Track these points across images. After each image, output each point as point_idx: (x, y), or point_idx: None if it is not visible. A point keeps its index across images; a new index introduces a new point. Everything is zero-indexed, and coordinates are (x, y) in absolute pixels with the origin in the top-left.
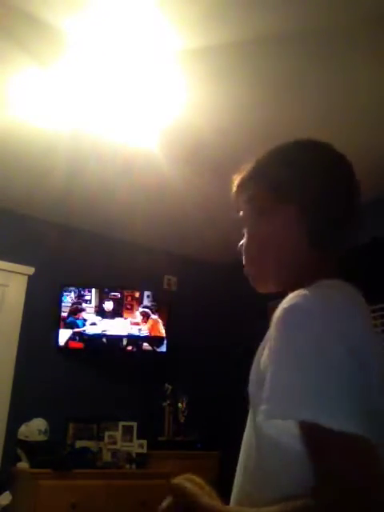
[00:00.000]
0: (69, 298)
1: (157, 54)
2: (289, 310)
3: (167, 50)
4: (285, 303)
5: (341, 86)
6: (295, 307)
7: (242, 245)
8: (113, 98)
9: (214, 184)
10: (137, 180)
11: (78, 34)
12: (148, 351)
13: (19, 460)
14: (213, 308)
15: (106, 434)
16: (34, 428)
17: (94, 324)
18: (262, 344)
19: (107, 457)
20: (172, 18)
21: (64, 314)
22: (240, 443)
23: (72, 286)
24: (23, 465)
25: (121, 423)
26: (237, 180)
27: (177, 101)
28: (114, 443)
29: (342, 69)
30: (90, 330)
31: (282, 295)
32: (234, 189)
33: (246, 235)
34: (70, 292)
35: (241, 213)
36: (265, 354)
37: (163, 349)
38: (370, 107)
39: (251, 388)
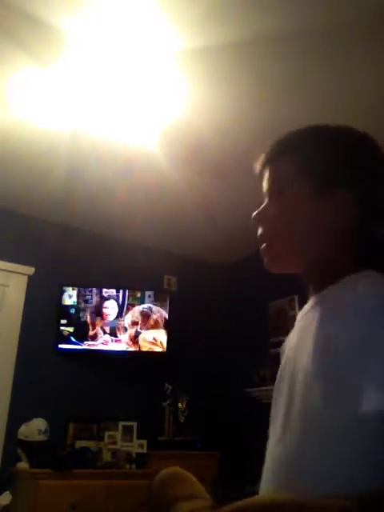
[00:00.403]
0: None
1: (157, 53)
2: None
3: (167, 49)
4: (365, 290)
5: (340, 86)
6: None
7: (259, 215)
8: (113, 98)
9: (214, 184)
10: (137, 180)
11: (78, 34)
12: (148, 351)
13: (19, 460)
14: (213, 308)
15: (106, 434)
16: (34, 428)
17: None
18: (318, 331)
19: (107, 457)
20: (172, 18)
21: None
22: (239, 443)
23: (72, 285)
24: (23, 465)
25: (121, 423)
26: (271, 150)
27: (177, 101)
28: (114, 443)
29: (342, 69)
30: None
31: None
32: (266, 158)
33: (276, 210)
34: (91, 294)
35: (265, 184)
36: (343, 341)
37: (158, 347)
38: (369, 107)
39: (319, 374)
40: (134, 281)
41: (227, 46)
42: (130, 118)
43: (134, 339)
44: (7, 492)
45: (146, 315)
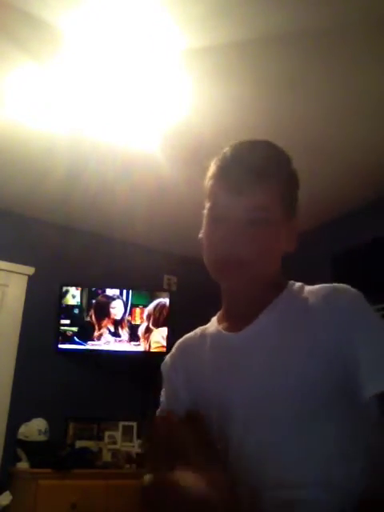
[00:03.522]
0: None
1: (158, 52)
2: (363, 300)
3: (169, 48)
4: (352, 295)
5: (344, 86)
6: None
7: (245, 242)
8: (113, 98)
9: None
10: (137, 181)
11: (78, 32)
12: (148, 351)
13: (19, 460)
14: (213, 308)
15: (106, 433)
16: (34, 428)
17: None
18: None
19: (107, 457)
20: (174, 15)
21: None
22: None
23: (75, 285)
24: (23, 465)
25: (121, 423)
26: (246, 177)
27: (178, 101)
28: (114, 443)
29: (345, 69)
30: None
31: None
32: (241, 185)
33: (263, 235)
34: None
35: (240, 210)
36: (360, 339)
37: (162, 348)
38: (371, 107)
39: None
40: (134, 281)
41: (230, 46)
42: (131, 118)
43: (145, 337)
44: (7, 492)
45: (157, 314)
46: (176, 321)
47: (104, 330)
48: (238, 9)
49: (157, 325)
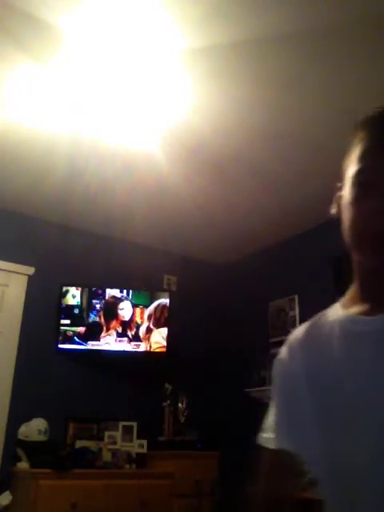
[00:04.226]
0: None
1: (157, 52)
2: None
3: (168, 48)
4: None
5: (342, 86)
6: None
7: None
8: (112, 98)
9: (215, 184)
10: (137, 180)
11: (78, 32)
12: (148, 351)
13: (19, 460)
14: (213, 308)
15: (106, 433)
16: (34, 428)
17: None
18: None
19: (107, 457)
20: (173, 16)
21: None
22: (239, 443)
23: (74, 285)
24: (23, 465)
25: (121, 423)
26: None
27: (178, 101)
28: (114, 443)
29: (344, 69)
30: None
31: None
32: None
33: None
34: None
35: None
36: None
37: (163, 349)
38: (371, 107)
39: None
40: (134, 281)
41: (229, 46)
42: (130, 118)
43: (146, 337)
44: (7, 492)
45: (157, 314)
46: (175, 321)
47: (111, 331)
48: (237, 9)
49: (157, 325)
